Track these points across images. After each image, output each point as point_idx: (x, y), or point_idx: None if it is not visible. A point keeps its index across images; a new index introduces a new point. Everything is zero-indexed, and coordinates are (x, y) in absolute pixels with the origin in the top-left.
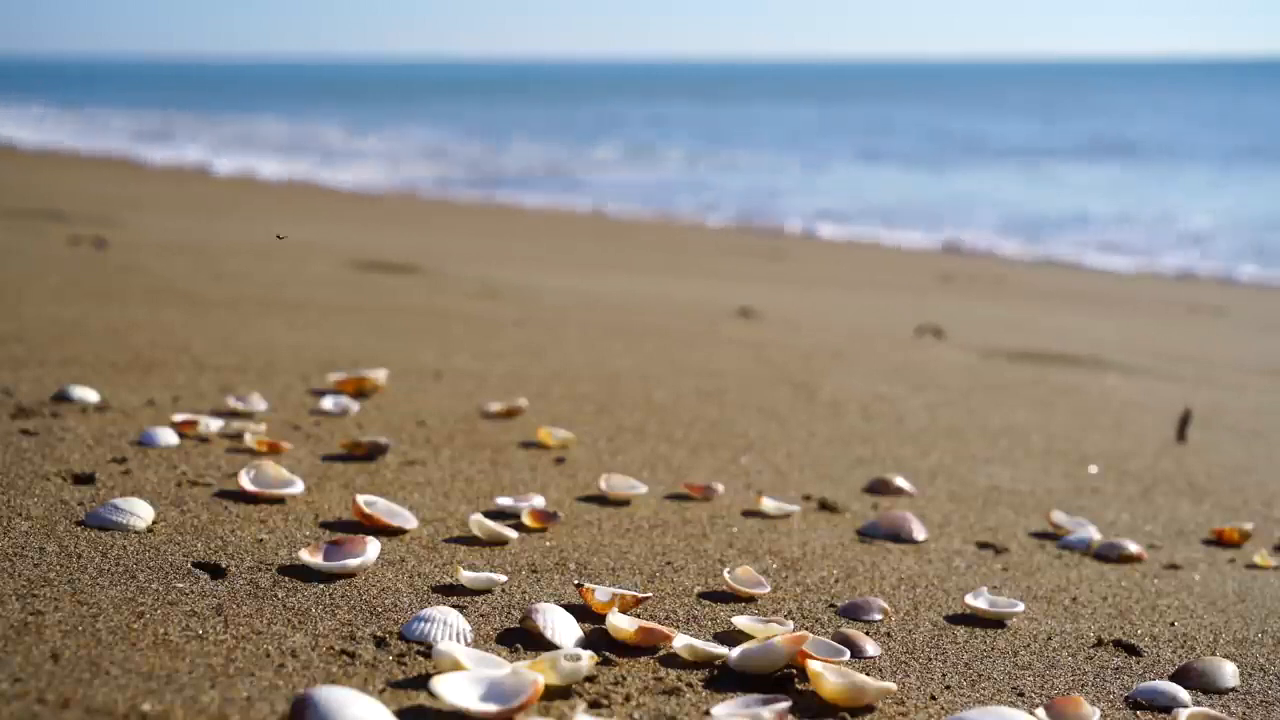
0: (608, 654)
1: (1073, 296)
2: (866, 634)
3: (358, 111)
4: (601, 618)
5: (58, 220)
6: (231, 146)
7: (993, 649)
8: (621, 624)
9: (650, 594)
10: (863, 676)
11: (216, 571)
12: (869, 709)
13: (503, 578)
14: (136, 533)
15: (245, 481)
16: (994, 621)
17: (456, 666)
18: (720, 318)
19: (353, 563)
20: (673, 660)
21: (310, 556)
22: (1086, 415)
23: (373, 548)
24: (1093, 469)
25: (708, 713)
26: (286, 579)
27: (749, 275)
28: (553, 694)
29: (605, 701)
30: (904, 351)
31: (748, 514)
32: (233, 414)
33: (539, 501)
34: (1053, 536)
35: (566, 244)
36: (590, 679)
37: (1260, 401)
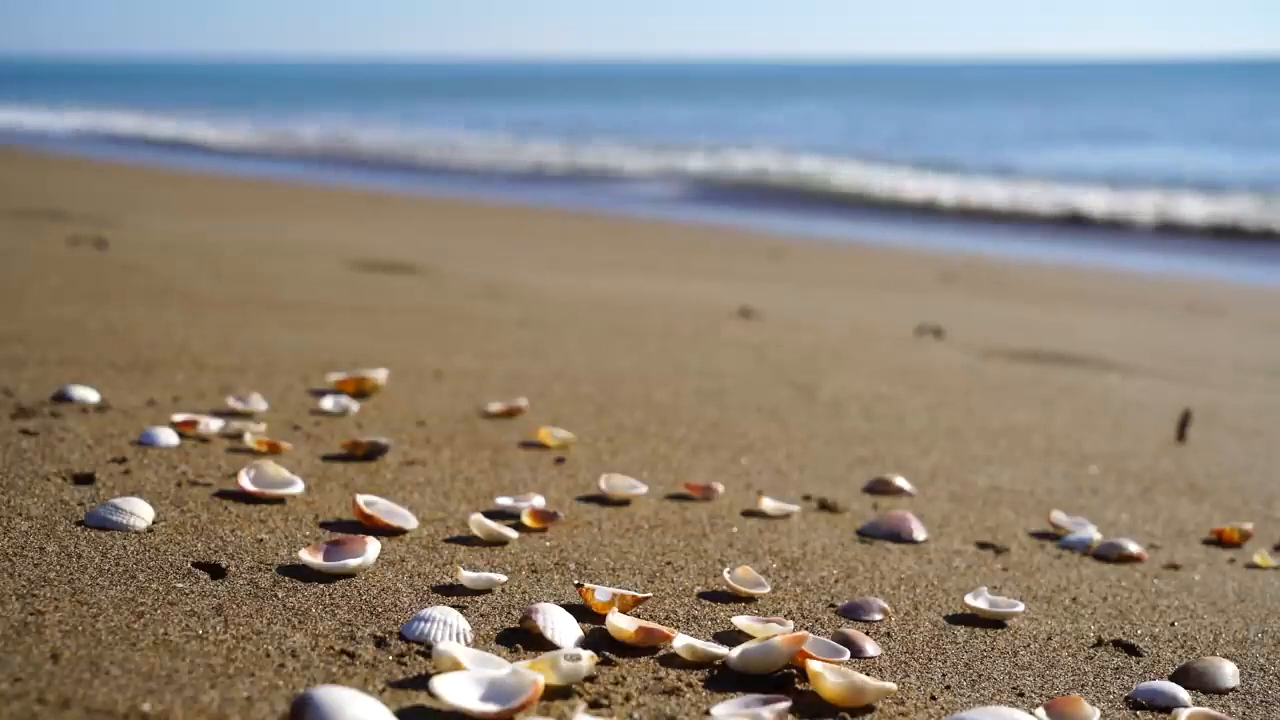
0: (608, 654)
1: (1073, 296)
2: (866, 634)
3: (358, 109)
4: (601, 618)
5: (58, 220)
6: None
7: (993, 649)
8: (621, 624)
9: (650, 594)
10: (863, 676)
11: (216, 571)
12: (869, 709)
13: (503, 578)
14: (136, 533)
15: (245, 481)
16: (994, 621)
17: (456, 666)
18: (721, 318)
19: (353, 563)
20: (673, 660)
21: (310, 556)
22: (1086, 415)
23: (373, 548)
24: (1093, 469)
25: (708, 713)
26: (286, 579)
27: (749, 275)
28: (553, 694)
29: (605, 701)
30: (904, 351)
31: (748, 514)
32: (233, 414)
33: (539, 501)
34: (1053, 536)
35: (567, 244)
36: (590, 679)
37: (1260, 401)
